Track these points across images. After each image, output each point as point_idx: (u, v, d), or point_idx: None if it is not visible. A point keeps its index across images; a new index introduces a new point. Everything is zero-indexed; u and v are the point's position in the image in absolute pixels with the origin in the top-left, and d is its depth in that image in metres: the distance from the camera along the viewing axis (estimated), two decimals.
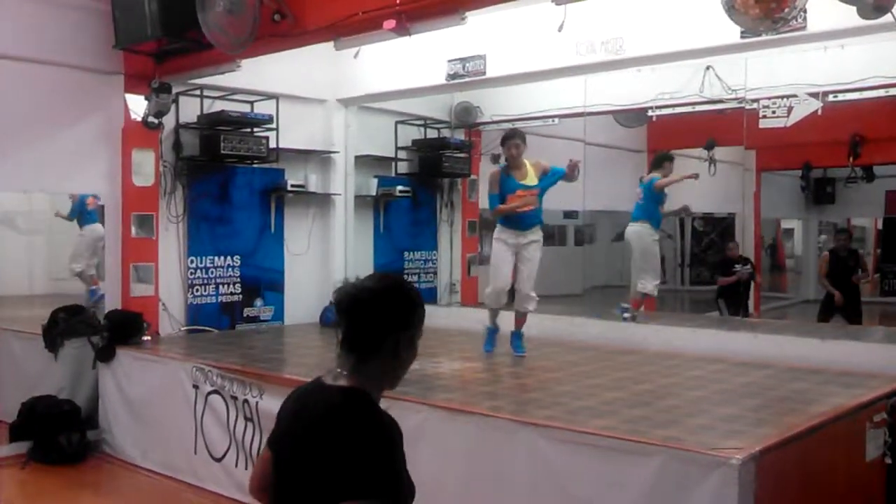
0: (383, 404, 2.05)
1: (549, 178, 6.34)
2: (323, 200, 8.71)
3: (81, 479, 6.34)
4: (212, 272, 7.84)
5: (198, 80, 7.32)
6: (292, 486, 2.01)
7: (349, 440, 1.90)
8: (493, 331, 6.63)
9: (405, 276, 2.09)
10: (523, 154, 6.32)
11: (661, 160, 7.99)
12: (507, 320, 6.55)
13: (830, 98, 7.52)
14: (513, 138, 6.33)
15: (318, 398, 2.03)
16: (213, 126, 7.63)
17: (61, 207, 8.79)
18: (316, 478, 1.93)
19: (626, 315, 7.61)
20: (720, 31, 5.22)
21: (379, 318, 2.02)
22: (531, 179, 6.27)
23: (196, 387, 5.94)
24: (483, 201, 10.31)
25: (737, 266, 9.40)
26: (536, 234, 6.37)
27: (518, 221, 6.31)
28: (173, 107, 7.18)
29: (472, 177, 9.98)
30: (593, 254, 11.94)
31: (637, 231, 7.77)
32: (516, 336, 6.46)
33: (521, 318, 6.47)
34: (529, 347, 6.43)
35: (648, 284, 7.74)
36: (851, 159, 9.44)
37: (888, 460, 4.52)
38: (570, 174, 6.32)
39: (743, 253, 9.71)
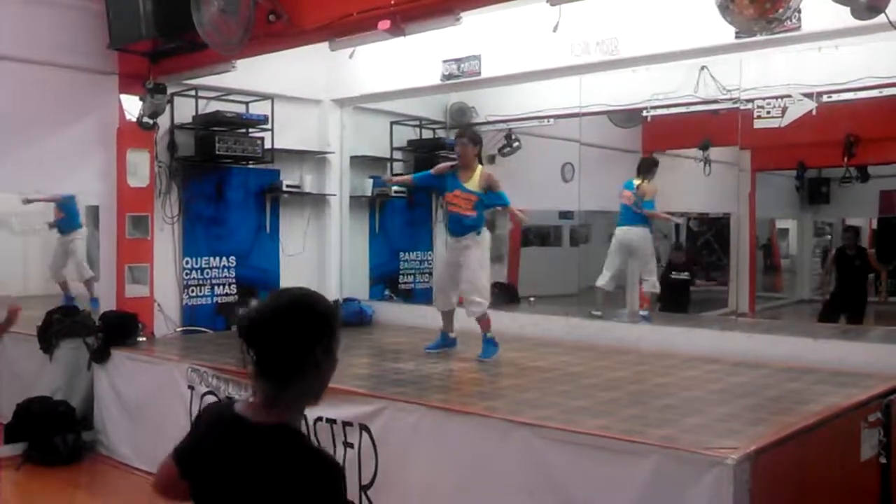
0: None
1: (492, 196, 6.15)
2: (318, 201, 8.71)
3: (76, 479, 6.35)
4: (207, 273, 7.82)
5: (193, 81, 7.31)
6: None
7: (305, 489, 1.85)
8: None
9: (317, 294, 1.95)
10: (474, 156, 6.19)
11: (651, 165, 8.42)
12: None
13: (825, 98, 7.53)
14: (461, 137, 6.30)
15: (245, 441, 1.92)
16: (208, 126, 7.62)
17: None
18: None
19: None
20: (715, 31, 5.22)
21: (288, 339, 1.90)
22: (472, 185, 6.13)
23: (191, 388, 5.92)
24: None
25: (673, 273, 10.02)
26: (470, 241, 6.14)
27: (449, 224, 6.27)
28: (168, 107, 7.17)
29: None
30: (588, 254, 11.92)
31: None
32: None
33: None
34: (524, 347, 6.41)
35: None
36: (846, 159, 9.45)
37: (883, 460, 4.53)
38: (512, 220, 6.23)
39: (733, 252, 10.06)
